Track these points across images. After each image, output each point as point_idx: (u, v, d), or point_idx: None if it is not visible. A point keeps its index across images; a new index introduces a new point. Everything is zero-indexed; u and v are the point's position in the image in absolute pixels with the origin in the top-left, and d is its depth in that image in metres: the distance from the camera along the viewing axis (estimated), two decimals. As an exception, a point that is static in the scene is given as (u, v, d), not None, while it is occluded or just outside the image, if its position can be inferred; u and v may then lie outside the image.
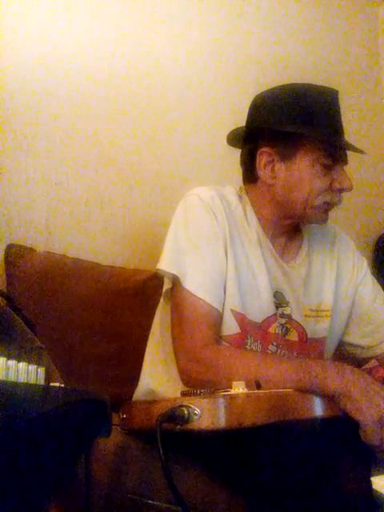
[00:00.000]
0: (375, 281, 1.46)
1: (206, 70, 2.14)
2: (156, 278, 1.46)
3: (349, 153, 1.31)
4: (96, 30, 1.93)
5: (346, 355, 1.46)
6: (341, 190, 1.28)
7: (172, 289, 1.26)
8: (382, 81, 2.64)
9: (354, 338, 1.42)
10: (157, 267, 1.26)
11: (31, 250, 1.68)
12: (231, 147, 1.43)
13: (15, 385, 0.74)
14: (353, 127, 2.34)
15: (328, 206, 1.30)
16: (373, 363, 1.42)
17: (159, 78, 2.03)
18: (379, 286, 1.46)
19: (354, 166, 2.27)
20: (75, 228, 1.83)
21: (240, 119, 1.38)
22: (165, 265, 1.24)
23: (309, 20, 2.43)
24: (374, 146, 2.54)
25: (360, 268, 1.44)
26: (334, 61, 2.46)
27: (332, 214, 1.38)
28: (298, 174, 1.27)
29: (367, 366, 1.50)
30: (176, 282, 1.23)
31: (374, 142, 2.55)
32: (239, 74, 2.19)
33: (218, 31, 2.19)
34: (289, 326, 1.31)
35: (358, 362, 1.43)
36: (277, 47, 2.31)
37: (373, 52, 2.65)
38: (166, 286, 1.29)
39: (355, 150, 1.29)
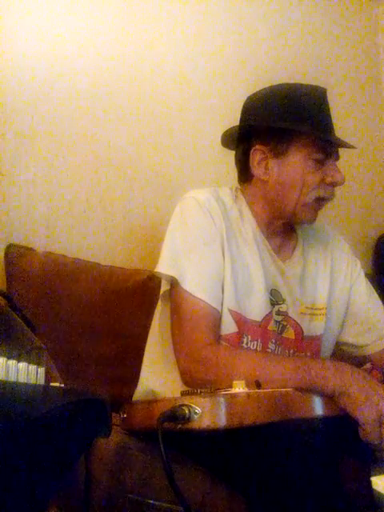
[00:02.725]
0: (368, 281, 1.47)
1: (206, 71, 2.14)
2: (156, 278, 1.46)
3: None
4: (96, 30, 1.93)
5: (342, 354, 1.46)
6: (333, 184, 1.29)
7: (171, 290, 1.26)
8: (382, 81, 2.64)
9: (348, 336, 1.43)
10: (155, 270, 1.26)
11: (31, 250, 1.68)
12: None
13: (15, 385, 0.74)
14: (352, 127, 2.36)
15: (321, 202, 1.31)
16: (367, 366, 1.42)
17: (159, 79, 2.04)
18: (372, 286, 1.47)
19: (355, 166, 2.30)
20: (75, 228, 1.83)
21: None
22: (163, 267, 1.24)
23: (308, 20, 2.43)
24: (374, 145, 2.54)
25: (354, 268, 1.45)
26: (334, 61, 2.46)
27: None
28: (291, 169, 1.28)
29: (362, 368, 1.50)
30: (175, 283, 1.23)
31: (374, 141, 2.55)
32: (239, 75, 2.19)
33: (218, 31, 2.19)
34: (285, 324, 1.31)
35: (355, 362, 1.43)
36: (276, 48, 2.31)
37: (372, 52, 2.64)
38: (164, 288, 1.30)
39: (345, 145, 1.30)
